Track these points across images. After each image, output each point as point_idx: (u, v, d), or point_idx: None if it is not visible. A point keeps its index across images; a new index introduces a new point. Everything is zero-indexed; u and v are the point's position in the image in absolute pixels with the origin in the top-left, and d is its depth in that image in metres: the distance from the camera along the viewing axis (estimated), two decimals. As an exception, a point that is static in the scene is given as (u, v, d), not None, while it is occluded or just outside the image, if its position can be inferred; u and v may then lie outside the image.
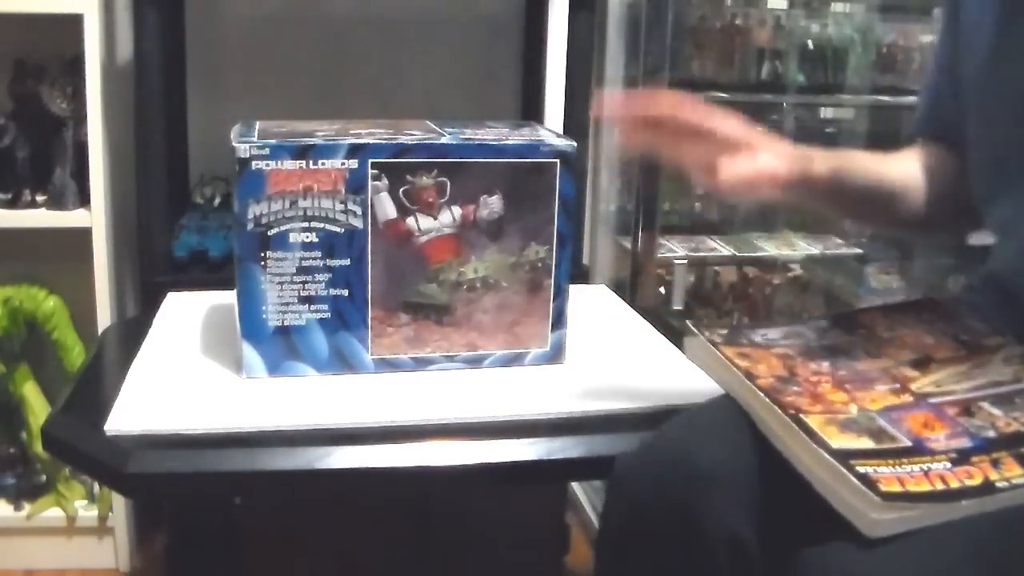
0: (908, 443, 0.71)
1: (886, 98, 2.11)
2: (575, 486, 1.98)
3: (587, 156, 1.94)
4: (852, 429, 0.73)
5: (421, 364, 1.03)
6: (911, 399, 0.78)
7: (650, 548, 0.78)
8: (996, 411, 0.75)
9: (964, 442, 0.71)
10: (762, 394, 0.77)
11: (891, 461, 0.69)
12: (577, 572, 1.75)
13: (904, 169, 0.98)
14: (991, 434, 0.72)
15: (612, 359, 1.09)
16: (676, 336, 1.17)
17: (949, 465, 0.69)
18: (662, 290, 1.96)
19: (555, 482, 1.58)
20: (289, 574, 1.54)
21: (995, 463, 0.69)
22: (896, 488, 0.66)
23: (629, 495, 0.80)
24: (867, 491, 0.65)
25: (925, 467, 0.69)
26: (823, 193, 0.91)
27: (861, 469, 0.67)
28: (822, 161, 0.89)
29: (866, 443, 0.71)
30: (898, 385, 0.80)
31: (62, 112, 1.68)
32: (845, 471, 0.67)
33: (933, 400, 0.77)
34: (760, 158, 0.83)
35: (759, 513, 0.74)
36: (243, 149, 0.93)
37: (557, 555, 1.70)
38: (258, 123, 1.02)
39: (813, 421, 0.73)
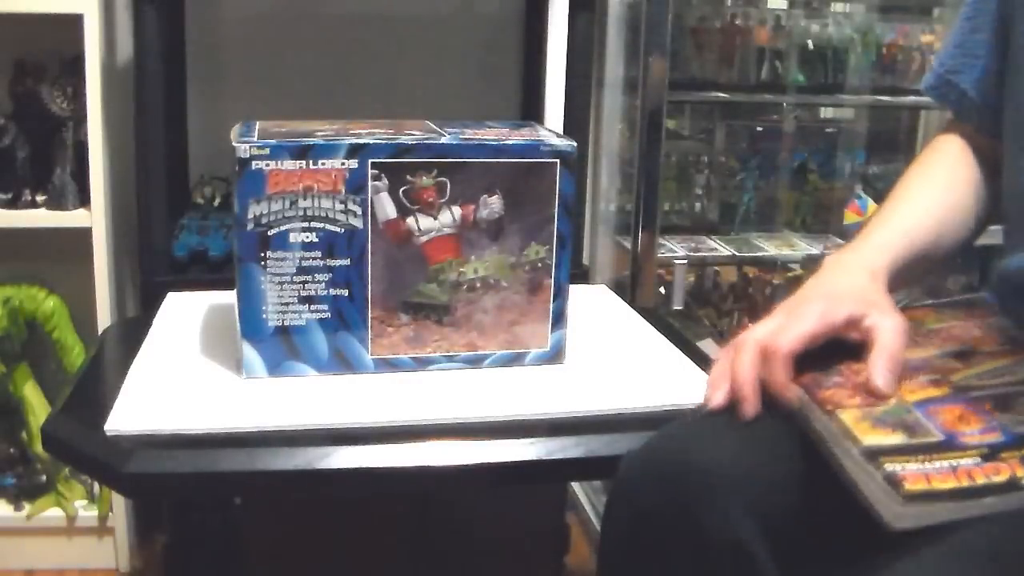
0: (941, 437, 0.71)
1: (886, 98, 2.11)
2: (575, 486, 1.98)
3: (587, 156, 1.94)
4: (886, 423, 0.73)
5: (421, 364, 1.03)
6: (949, 391, 0.77)
7: (652, 552, 0.77)
8: None
9: (997, 437, 0.71)
10: (801, 390, 0.77)
11: (921, 457, 0.69)
12: (577, 572, 1.75)
13: (954, 197, 0.96)
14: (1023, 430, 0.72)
15: (612, 359, 1.09)
16: (676, 336, 1.17)
17: (980, 461, 0.68)
18: (662, 290, 1.96)
19: (555, 482, 1.58)
20: (289, 574, 1.54)
21: None
22: (921, 486, 0.66)
23: (631, 498, 0.79)
24: (890, 490, 0.65)
25: (954, 463, 0.68)
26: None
27: (888, 467, 0.67)
28: (889, 270, 0.87)
29: (898, 438, 0.71)
30: (939, 376, 0.79)
31: (62, 112, 1.68)
32: (872, 469, 0.67)
33: (972, 394, 0.76)
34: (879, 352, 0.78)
35: (766, 519, 0.73)
36: (243, 149, 0.93)
37: (557, 555, 1.70)
38: (258, 123, 1.02)
39: (848, 417, 0.73)
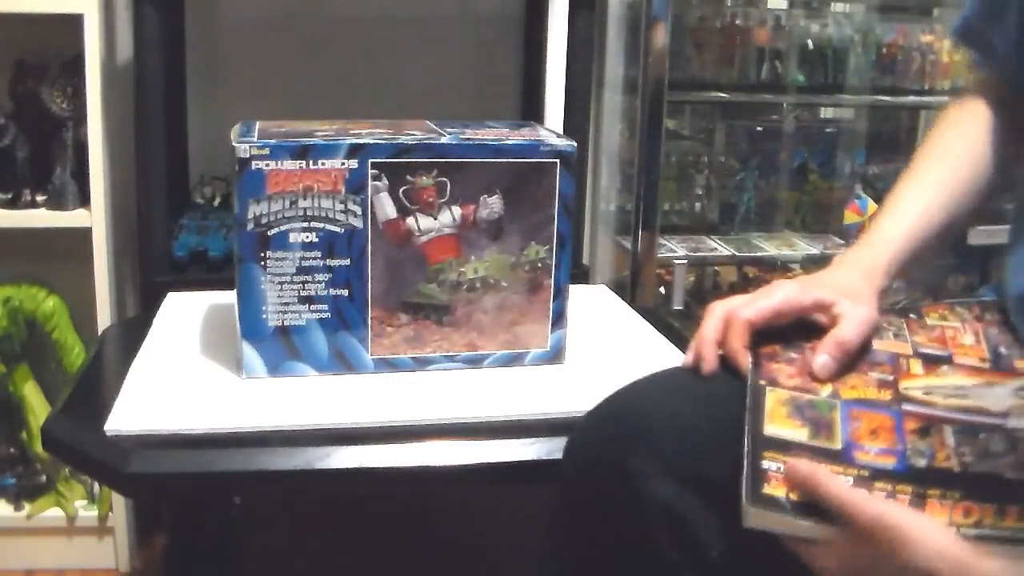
0: (838, 447, 0.69)
1: (886, 98, 2.11)
2: (575, 486, 1.98)
3: (587, 156, 1.94)
4: (801, 416, 0.72)
5: (421, 364, 1.03)
6: (888, 397, 0.75)
7: (591, 500, 0.79)
8: (950, 440, 0.70)
9: (888, 462, 0.68)
10: (750, 357, 0.78)
11: (806, 460, 0.68)
12: (577, 572, 1.75)
13: (969, 163, 0.95)
14: (920, 463, 0.68)
15: (612, 359, 1.09)
16: (676, 336, 1.17)
17: (850, 482, 0.66)
18: (662, 290, 1.96)
19: (555, 482, 1.58)
20: (289, 574, 1.54)
21: (891, 495, 0.65)
22: (779, 491, 0.65)
23: (577, 453, 0.83)
24: (747, 487, 0.66)
25: None
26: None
27: (765, 464, 0.67)
28: (890, 267, 0.88)
29: (800, 434, 0.70)
30: (891, 377, 0.77)
31: (62, 112, 1.68)
32: (746, 460, 0.67)
33: (907, 406, 0.74)
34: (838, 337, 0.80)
35: (703, 482, 0.73)
36: (243, 149, 0.93)
37: (557, 555, 1.70)
38: (258, 123, 1.02)
39: (773, 398, 0.74)
